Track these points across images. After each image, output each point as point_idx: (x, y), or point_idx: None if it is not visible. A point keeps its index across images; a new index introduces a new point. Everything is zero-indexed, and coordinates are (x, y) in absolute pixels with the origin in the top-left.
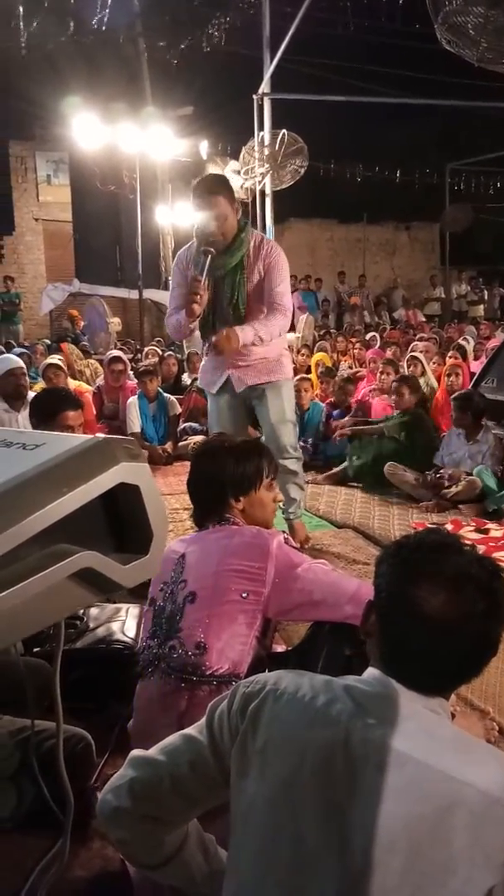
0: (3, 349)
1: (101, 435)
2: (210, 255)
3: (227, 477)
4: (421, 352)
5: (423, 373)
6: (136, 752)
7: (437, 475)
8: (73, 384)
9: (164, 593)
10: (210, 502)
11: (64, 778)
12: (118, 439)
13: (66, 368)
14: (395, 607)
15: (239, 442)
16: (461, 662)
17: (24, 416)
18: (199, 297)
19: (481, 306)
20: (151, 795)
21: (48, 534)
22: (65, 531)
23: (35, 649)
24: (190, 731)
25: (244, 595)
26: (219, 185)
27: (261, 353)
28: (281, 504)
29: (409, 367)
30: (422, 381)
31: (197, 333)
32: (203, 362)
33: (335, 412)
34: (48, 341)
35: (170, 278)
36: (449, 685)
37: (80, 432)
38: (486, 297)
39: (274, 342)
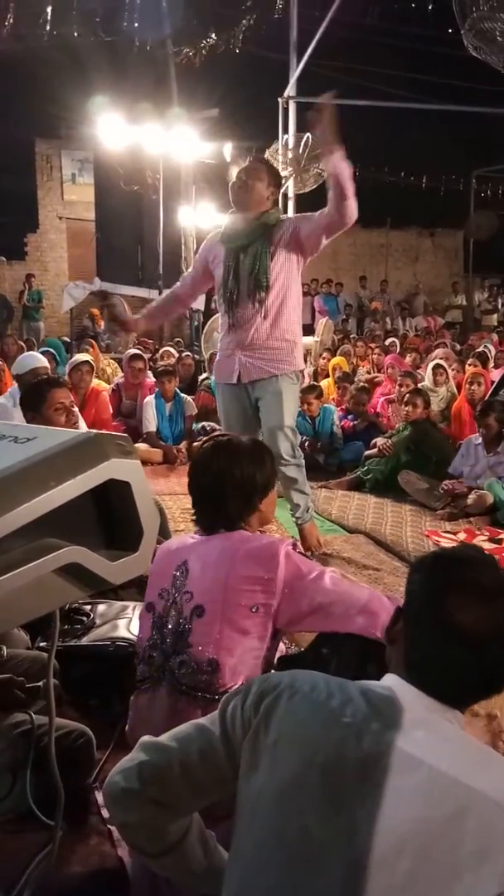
0: (24, 346)
1: (93, 430)
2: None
3: (250, 479)
4: (441, 359)
5: (447, 380)
6: (146, 738)
7: (448, 488)
8: (94, 383)
9: (164, 601)
10: (227, 507)
11: (55, 770)
12: (110, 435)
13: (93, 367)
14: (427, 616)
15: (249, 442)
16: (487, 676)
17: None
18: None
19: (494, 315)
20: (160, 780)
21: (35, 527)
22: (53, 525)
23: (41, 643)
24: (203, 721)
25: (254, 609)
26: (266, 163)
27: (275, 343)
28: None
29: (434, 375)
30: (444, 388)
31: (215, 335)
32: (217, 356)
33: (350, 416)
34: (67, 339)
35: None
36: (470, 698)
37: (71, 412)
38: (499, 306)
39: (293, 327)
